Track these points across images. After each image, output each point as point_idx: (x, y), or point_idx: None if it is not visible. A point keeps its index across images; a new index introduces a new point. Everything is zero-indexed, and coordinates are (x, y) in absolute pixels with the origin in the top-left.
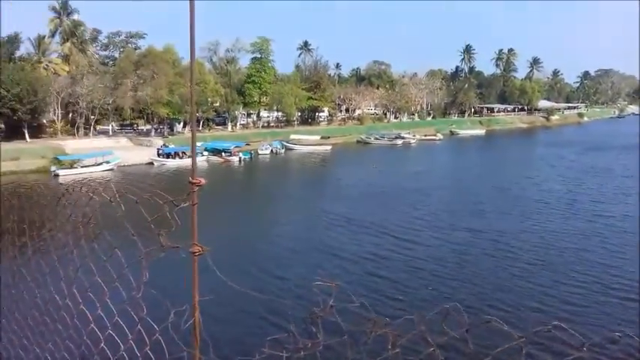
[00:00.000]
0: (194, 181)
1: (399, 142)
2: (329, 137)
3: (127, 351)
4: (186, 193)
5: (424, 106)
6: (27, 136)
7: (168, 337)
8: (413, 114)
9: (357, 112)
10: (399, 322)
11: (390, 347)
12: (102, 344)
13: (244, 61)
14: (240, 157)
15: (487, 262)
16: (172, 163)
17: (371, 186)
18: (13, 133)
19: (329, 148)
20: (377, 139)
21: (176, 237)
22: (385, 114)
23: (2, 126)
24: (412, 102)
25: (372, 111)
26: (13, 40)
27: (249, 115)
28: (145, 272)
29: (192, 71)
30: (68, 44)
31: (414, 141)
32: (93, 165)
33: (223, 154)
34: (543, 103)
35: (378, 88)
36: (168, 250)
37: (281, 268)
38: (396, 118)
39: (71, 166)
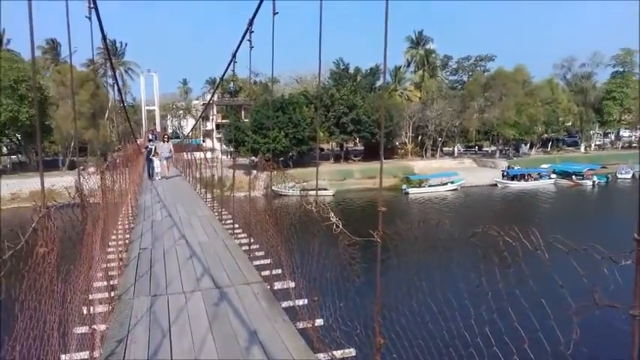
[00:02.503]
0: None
1: None
2: None
3: None
4: (629, 250)
5: None
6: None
7: None
8: None
9: None
10: None
11: None
12: None
13: (603, 76)
14: (593, 181)
15: None
16: (516, 186)
17: None
18: (371, 154)
19: None
20: None
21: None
22: None
23: (362, 148)
24: None
25: None
26: (375, 72)
27: (605, 134)
28: (575, 329)
29: None
30: (420, 72)
31: None
32: (438, 185)
33: (574, 177)
34: None
35: None
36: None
37: None
38: None
39: (419, 185)
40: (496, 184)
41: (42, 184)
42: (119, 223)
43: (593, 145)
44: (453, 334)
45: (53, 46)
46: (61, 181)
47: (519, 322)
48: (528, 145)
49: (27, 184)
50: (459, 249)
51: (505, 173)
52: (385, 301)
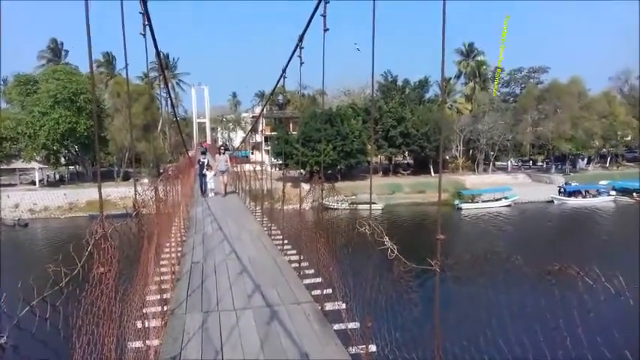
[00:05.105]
0: None
1: None
2: None
3: None
4: None
5: None
6: (432, 171)
7: None
8: None
9: None
10: None
11: None
12: None
13: None
14: None
15: None
16: (574, 202)
17: None
18: (421, 168)
19: None
20: None
21: None
22: None
23: (412, 162)
24: None
25: None
26: (424, 84)
27: None
28: None
29: None
30: (471, 84)
31: None
32: (492, 200)
33: (635, 194)
34: None
35: None
36: None
37: None
38: None
39: (472, 201)
40: (552, 201)
41: (100, 201)
42: (172, 235)
43: None
44: None
45: (109, 60)
46: (116, 192)
47: None
48: (585, 160)
49: (84, 194)
50: (531, 284)
51: (562, 189)
52: (447, 335)
